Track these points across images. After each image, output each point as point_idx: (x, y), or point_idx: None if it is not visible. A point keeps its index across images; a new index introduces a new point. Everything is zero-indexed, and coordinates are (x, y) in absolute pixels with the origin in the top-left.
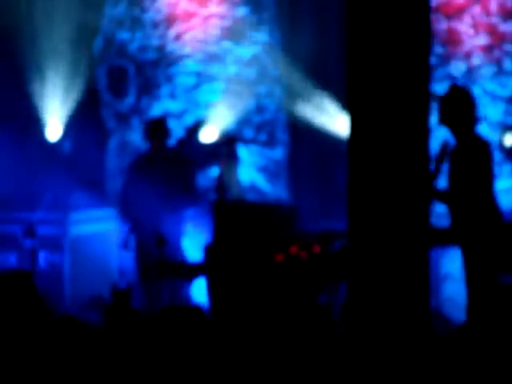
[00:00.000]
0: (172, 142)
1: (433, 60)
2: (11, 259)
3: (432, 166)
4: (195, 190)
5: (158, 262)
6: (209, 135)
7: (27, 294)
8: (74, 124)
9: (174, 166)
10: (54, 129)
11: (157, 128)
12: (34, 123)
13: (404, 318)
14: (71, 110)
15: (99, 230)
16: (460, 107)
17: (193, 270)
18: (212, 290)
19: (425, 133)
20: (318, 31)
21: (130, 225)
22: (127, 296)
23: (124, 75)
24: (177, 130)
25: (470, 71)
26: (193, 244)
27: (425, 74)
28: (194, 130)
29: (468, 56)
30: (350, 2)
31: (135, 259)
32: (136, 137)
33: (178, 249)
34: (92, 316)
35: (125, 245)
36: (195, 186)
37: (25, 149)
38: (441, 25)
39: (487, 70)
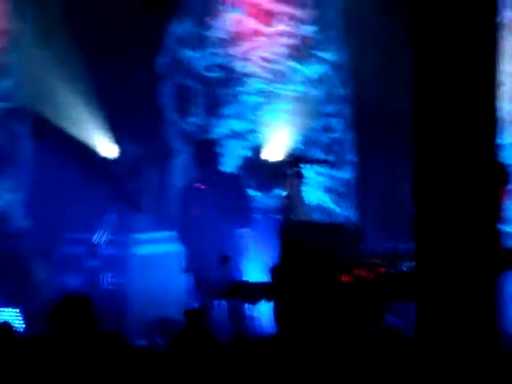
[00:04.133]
0: (238, 161)
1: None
2: (75, 280)
3: None
4: (251, 209)
5: (222, 282)
6: (274, 155)
7: (85, 319)
8: (138, 143)
9: (227, 186)
10: (116, 147)
11: (206, 151)
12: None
13: (472, 340)
14: (135, 129)
15: (162, 251)
16: None
17: (257, 291)
18: (278, 310)
19: (493, 154)
20: (386, 50)
21: (187, 248)
22: (200, 316)
23: (190, 94)
24: (242, 150)
25: None
26: (255, 264)
27: (492, 92)
28: (259, 148)
29: None
30: (417, 22)
31: (195, 281)
32: None
33: (239, 269)
34: (158, 339)
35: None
36: (250, 204)
37: (89, 169)
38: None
39: None
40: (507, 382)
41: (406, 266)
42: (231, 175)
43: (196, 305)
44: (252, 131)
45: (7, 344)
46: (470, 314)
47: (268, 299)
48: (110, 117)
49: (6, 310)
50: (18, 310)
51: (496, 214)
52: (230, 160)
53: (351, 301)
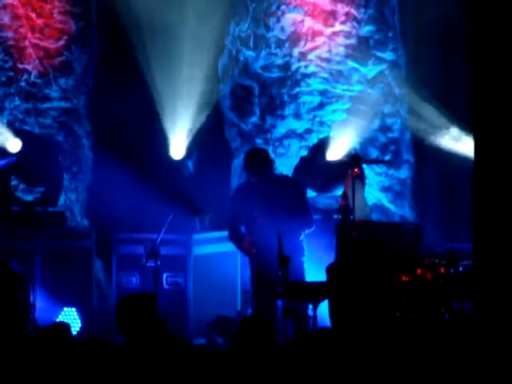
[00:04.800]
0: (296, 161)
1: None
2: (134, 280)
3: None
4: (308, 209)
5: (282, 282)
6: (334, 155)
7: (150, 317)
8: (198, 143)
9: (282, 187)
10: (177, 147)
11: (256, 160)
12: (158, 142)
13: None
14: (196, 129)
15: (221, 251)
16: None
17: (317, 291)
18: (334, 310)
19: None
20: (444, 49)
21: (239, 249)
22: (254, 323)
23: (249, 94)
24: (301, 150)
25: None
26: (314, 265)
27: None
28: (318, 149)
29: None
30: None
31: (252, 281)
32: None
33: (299, 270)
34: (217, 338)
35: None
36: (308, 205)
37: (149, 168)
38: None
39: None
40: None
41: (463, 265)
42: (287, 178)
43: (250, 311)
44: (310, 131)
45: (62, 344)
46: None
47: (325, 298)
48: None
49: (63, 309)
50: (74, 310)
51: None
52: (289, 160)
53: (411, 300)
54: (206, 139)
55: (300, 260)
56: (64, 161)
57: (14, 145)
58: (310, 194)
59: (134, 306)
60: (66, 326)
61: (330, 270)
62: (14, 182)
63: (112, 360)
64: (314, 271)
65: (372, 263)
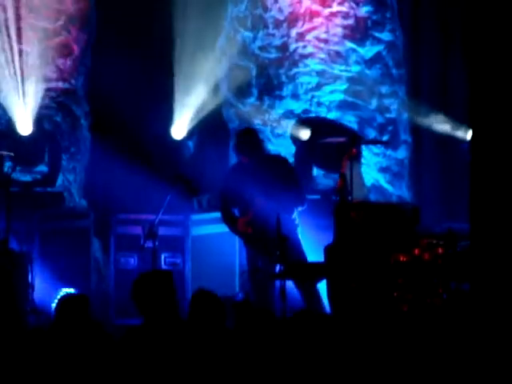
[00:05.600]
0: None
1: None
2: (132, 261)
3: None
4: (300, 187)
5: (281, 262)
6: (329, 135)
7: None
8: (199, 124)
9: (273, 166)
10: (179, 128)
11: (246, 140)
12: (158, 122)
13: None
14: (196, 110)
15: (219, 231)
16: None
17: (314, 271)
18: (332, 291)
19: None
20: (442, 31)
21: (234, 231)
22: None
23: (246, 75)
24: None
25: None
26: (312, 245)
27: None
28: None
29: None
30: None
31: (248, 262)
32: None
33: (298, 247)
34: None
35: None
36: (299, 182)
37: (148, 148)
38: None
39: None
40: None
41: (461, 245)
42: (278, 156)
43: (241, 295)
44: (308, 111)
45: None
46: None
47: (323, 278)
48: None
49: (61, 289)
50: (72, 290)
51: None
52: (287, 140)
53: (409, 280)
54: (206, 120)
55: (297, 238)
56: (62, 141)
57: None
58: (311, 173)
59: (155, 283)
60: (86, 298)
61: (328, 250)
62: (10, 163)
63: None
64: (313, 252)
65: (370, 244)
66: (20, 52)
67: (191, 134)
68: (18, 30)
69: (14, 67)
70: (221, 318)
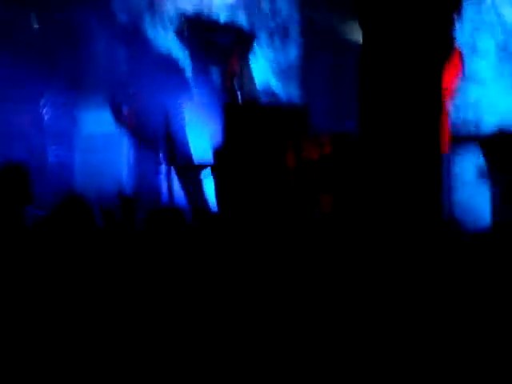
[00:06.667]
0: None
1: None
2: (21, 153)
3: None
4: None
5: (168, 158)
6: (222, 32)
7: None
8: None
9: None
10: None
11: None
12: None
13: (417, 223)
14: None
15: (110, 131)
16: None
17: (202, 170)
18: (220, 191)
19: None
20: None
21: (119, 122)
22: (132, 202)
23: None
24: None
25: None
26: (200, 143)
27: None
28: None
29: None
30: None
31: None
32: None
33: (185, 148)
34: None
35: None
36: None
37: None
38: None
39: None
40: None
41: (349, 146)
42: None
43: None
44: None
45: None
46: (415, 196)
47: (211, 178)
48: None
49: None
50: None
51: (440, 98)
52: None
53: (298, 181)
54: None
55: (183, 136)
56: None
57: None
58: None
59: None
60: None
61: (216, 151)
62: None
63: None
64: (199, 149)
65: (259, 145)
66: None
67: None
68: None
69: None
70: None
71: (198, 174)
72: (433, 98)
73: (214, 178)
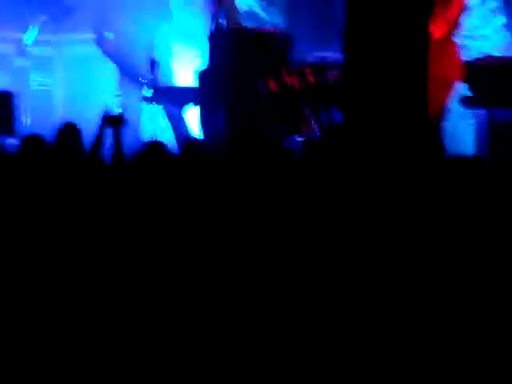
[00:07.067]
0: None
1: None
2: (3, 79)
3: None
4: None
5: (153, 86)
6: None
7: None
8: None
9: None
10: None
11: None
12: None
13: (402, 146)
14: None
15: (93, 54)
16: None
17: (185, 95)
18: (203, 116)
19: None
20: None
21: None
22: (120, 121)
23: None
24: None
25: None
26: (184, 69)
27: None
28: None
29: None
30: None
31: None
32: None
33: (168, 73)
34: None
35: None
36: None
37: None
38: None
39: None
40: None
41: (332, 75)
42: None
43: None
44: None
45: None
46: (400, 119)
47: (195, 104)
48: None
49: None
50: None
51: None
52: None
53: (279, 108)
54: None
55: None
56: None
57: None
58: None
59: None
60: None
61: (200, 75)
62: None
63: None
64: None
65: (242, 70)
66: None
67: None
68: None
69: None
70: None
71: (181, 101)
72: (419, 21)
73: (199, 102)
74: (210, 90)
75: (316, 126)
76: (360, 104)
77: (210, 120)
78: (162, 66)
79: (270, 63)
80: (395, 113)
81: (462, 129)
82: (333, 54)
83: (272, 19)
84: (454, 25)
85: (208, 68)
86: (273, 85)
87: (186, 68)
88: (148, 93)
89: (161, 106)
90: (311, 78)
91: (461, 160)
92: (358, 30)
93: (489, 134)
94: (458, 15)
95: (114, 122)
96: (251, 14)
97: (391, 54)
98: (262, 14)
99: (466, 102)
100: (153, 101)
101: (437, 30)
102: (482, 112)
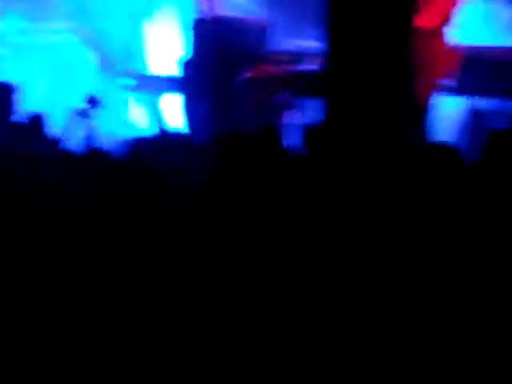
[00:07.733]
0: None
1: None
2: None
3: None
4: None
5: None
6: None
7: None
8: None
9: None
10: None
11: None
12: None
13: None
14: None
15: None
16: None
17: (163, 84)
18: (188, 105)
19: None
20: None
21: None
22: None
23: None
24: None
25: None
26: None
27: None
28: None
29: None
30: None
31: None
32: None
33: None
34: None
35: None
36: None
37: None
38: None
39: None
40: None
41: (308, 63)
42: None
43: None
44: None
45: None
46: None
47: (175, 92)
48: None
49: None
50: None
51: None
52: None
53: (256, 97)
54: None
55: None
56: None
57: None
58: None
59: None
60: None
61: (183, 64)
62: None
63: None
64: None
65: (222, 56)
66: None
67: None
68: None
69: None
70: None
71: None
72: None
73: (183, 91)
74: (194, 78)
75: (291, 112)
76: (343, 93)
77: (195, 109)
78: (142, 55)
79: (248, 51)
80: (378, 101)
81: (445, 118)
82: (308, 43)
83: (251, 8)
84: (448, 16)
85: (192, 57)
86: (250, 72)
87: (166, 57)
88: (128, 81)
89: (141, 95)
90: (287, 66)
91: (432, 147)
92: (340, 20)
93: (472, 124)
94: (453, 7)
95: (91, 104)
96: (233, 5)
97: (374, 43)
98: (244, 3)
99: (450, 91)
100: (133, 89)
101: (429, 21)
102: (465, 101)
